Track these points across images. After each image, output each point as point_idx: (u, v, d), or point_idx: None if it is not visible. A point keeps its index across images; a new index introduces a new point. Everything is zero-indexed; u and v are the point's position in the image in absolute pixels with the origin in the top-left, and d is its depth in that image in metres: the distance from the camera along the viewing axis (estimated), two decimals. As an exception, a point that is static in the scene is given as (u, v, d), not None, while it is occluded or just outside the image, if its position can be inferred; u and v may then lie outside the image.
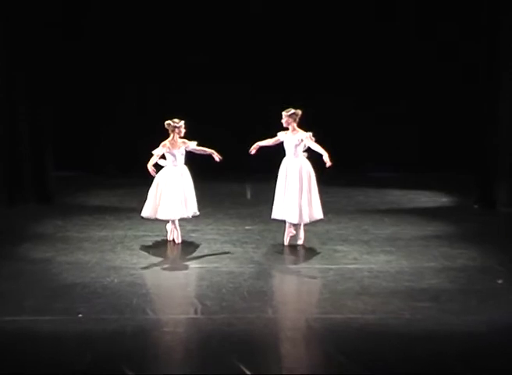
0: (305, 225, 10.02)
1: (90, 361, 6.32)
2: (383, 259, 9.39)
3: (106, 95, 15.65)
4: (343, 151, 15.50)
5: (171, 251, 9.96)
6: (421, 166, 16.00)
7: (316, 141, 9.83)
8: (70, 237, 10.53)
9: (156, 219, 10.12)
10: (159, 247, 10.06)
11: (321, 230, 10.70)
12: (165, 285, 8.66)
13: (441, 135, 15.90)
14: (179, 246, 10.08)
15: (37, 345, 6.66)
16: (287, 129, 9.92)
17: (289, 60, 15.53)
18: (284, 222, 10.04)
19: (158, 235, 10.42)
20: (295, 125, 9.84)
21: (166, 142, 9.97)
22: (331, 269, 9.04)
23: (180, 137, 10.00)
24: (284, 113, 9.87)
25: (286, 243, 10.04)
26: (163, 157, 10.00)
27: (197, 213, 10.22)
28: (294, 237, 10.03)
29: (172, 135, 9.98)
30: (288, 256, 9.78)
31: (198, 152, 10.17)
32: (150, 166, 9.80)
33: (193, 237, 10.51)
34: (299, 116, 9.84)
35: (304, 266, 9.33)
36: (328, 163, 9.62)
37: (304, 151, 9.87)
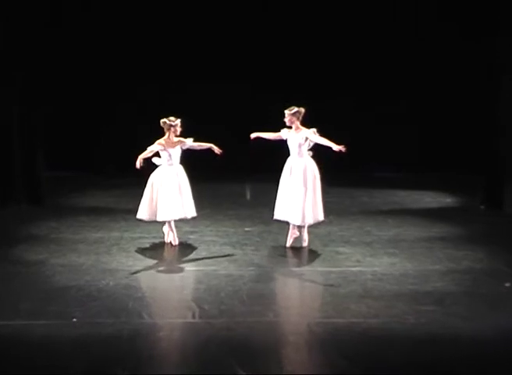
0: (308, 226, 10.02)
1: (85, 366, 6.32)
2: (387, 262, 9.39)
3: (105, 95, 15.82)
4: (345, 150, 15.59)
5: (168, 254, 9.96)
6: (424, 166, 16.07)
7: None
8: (64, 238, 10.54)
9: (152, 221, 10.11)
10: (156, 249, 10.06)
11: (323, 232, 10.70)
12: (161, 288, 8.66)
13: (445, 135, 15.97)
14: (177, 248, 10.08)
15: (30, 350, 6.65)
16: (290, 127, 9.91)
17: (290, 60, 15.68)
18: (287, 223, 10.03)
19: (154, 237, 10.42)
20: (298, 123, 9.83)
21: (161, 140, 9.96)
22: (333, 271, 9.03)
23: (176, 136, 9.99)
24: (287, 112, 9.84)
25: (288, 244, 10.04)
26: (158, 155, 9.99)
27: (195, 215, 10.22)
28: (298, 239, 10.03)
29: (167, 134, 9.97)
30: (289, 259, 9.78)
31: (197, 149, 10.16)
32: (140, 158, 9.71)
33: (191, 238, 10.51)
34: (302, 114, 9.83)
35: (305, 269, 9.32)
36: (341, 148, 9.44)
37: (309, 150, 9.86)
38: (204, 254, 9.79)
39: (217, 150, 10.12)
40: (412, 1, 15.74)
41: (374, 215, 12.29)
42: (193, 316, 7.45)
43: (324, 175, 9.99)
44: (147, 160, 9.87)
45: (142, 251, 9.90)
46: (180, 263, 9.52)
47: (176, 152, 10.01)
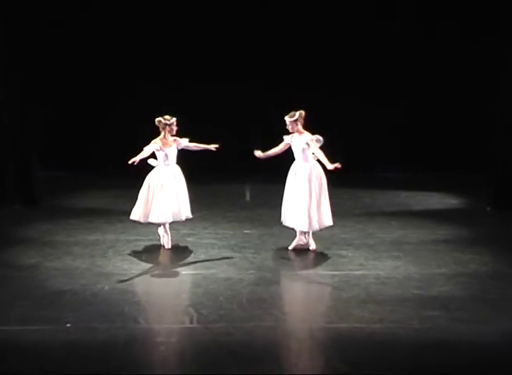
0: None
1: (79, 373, 6.30)
2: (390, 265, 9.39)
3: (104, 94, 15.94)
4: (349, 150, 15.69)
5: (165, 257, 9.95)
6: (429, 166, 16.07)
7: (324, 140, 9.82)
8: (58, 241, 10.53)
9: (147, 223, 10.11)
10: (153, 252, 10.06)
11: (325, 235, 10.68)
12: (158, 292, 8.65)
13: (450, 134, 15.99)
14: (174, 251, 10.07)
15: (23, 356, 6.64)
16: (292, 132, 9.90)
17: (291, 59, 15.83)
18: (293, 229, 10.02)
19: (151, 239, 10.41)
20: (300, 127, 9.84)
21: (157, 140, 9.95)
22: (335, 275, 9.03)
23: (172, 135, 9.99)
24: (288, 119, 9.81)
25: (290, 247, 10.03)
26: (153, 156, 9.98)
27: (190, 216, 10.22)
28: (304, 244, 10.02)
29: (162, 133, 9.96)
30: (290, 262, 9.77)
31: (192, 149, 10.16)
32: (135, 159, 9.68)
33: (189, 241, 10.51)
34: (303, 117, 9.83)
35: (307, 273, 9.32)
36: (335, 166, 9.51)
37: (313, 153, 9.86)
38: (202, 257, 9.78)
39: (213, 147, 10.12)
40: (412, 1, 15.81)
41: (377, 216, 12.29)
42: (191, 321, 7.45)
43: (326, 175, 9.97)
44: (143, 160, 9.87)
45: (138, 254, 9.90)
46: (178, 267, 9.51)
47: (173, 152, 10.01)
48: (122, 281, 8.67)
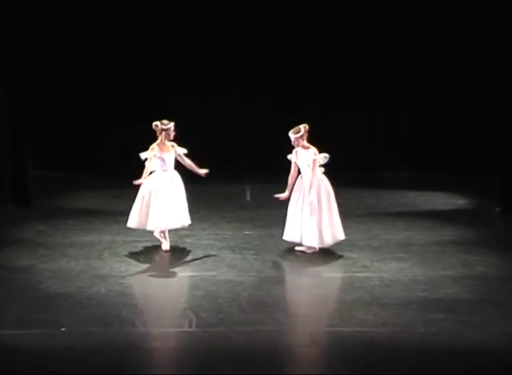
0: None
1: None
2: (395, 267, 9.37)
3: (101, 94, 15.97)
4: (353, 149, 15.73)
5: (163, 259, 9.94)
6: (435, 165, 16.06)
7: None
8: (53, 242, 10.52)
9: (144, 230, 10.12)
10: (150, 253, 10.05)
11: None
12: (156, 295, 8.64)
13: (457, 133, 15.99)
14: (172, 253, 10.06)
15: (16, 361, 6.63)
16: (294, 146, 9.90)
17: (293, 61, 15.90)
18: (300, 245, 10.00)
19: (148, 240, 10.40)
20: (305, 142, 9.84)
21: (154, 145, 9.92)
22: (339, 277, 9.04)
23: (170, 140, 9.97)
24: (293, 136, 9.78)
25: (296, 248, 10.01)
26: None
27: (189, 223, 10.21)
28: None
29: (160, 138, 9.93)
30: (292, 264, 9.76)
31: (183, 163, 10.08)
32: (143, 178, 9.76)
33: (188, 242, 10.50)
34: (307, 131, 9.83)
35: (309, 275, 9.31)
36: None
37: (321, 166, 9.86)
38: (201, 258, 9.77)
39: (203, 173, 10.10)
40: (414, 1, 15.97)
41: (382, 217, 12.27)
42: (190, 325, 7.44)
43: (328, 175, 9.97)
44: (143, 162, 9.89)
45: (135, 255, 9.89)
46: (176, 269, 9.51)
47: (171, 158, 9.98)
48: (118, 284, 8.65)
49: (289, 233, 9.96)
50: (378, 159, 16.30)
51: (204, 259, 9.73)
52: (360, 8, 15.68)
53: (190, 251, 10.10)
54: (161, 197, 9.88)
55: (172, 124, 9.94)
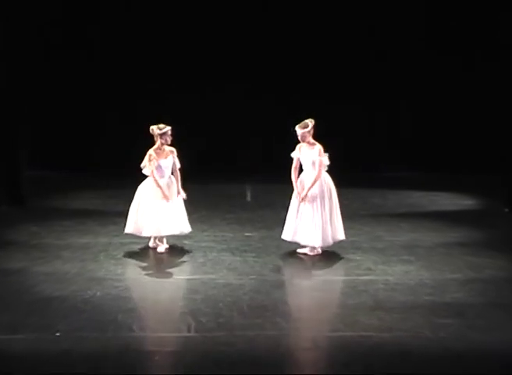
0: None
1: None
2: (400, 270, 9.37)
3: (99, 94, 16.14)
4: (357, 148, 15.79)
5: (161, 261, 9.93)
6: (441, 165, 16.10)
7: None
8: (47, 244, 10.52)
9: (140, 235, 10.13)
10: (148, 256, 10.05)
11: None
12: (153, 299, 8.63)
13: (464, 132, 16.06)
14: (170, 255, 10.06)
15: (9, 367, 6.62)
16: (298, 142, 9.88)
17: (294, 60, 16.15)
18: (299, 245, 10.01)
19: (146, 242, 10.39)
20: (310, 139, 9.83)
21: (152, 152, 9.89)
22: (342, 280, 9.03)
23: (167, 145, 9.95)
24: (301, 130, 9.77)
25: (299, 250, 9.99)
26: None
27: (189, 230, 10.20)
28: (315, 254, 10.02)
29: (157, 143, 9.91)
30: (293, 266, 9.76)
31: (174, 174, 10.04)
32: (165, 196, 9.74)
33: (187, 244, 10.50)
34: (314, 126, 9.84)
35: (311, 278, 9.31)
36: (299, 197, 9.69)
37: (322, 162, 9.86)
38: (200, 261, 9.77)
39: (183, 196, 10.02)
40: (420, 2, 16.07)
41: (386, 218, 12.27)
42: (189, 330, 7.43)
43: (332, 174, 9.96)
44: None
45: (132, 258, 9.89)
46: (174, 271, 9.50)
47: (168, 163, 9.97)
48: (115, 287, 8.64)
49: (289, 233, 9.95)
50: (379, 159, 16.37)
51: (204, 262, 9.73)
52: (361, 8, 15.88)
53: (188, 254, 10.10)
54: (155, 203, 9.87)
55: (168, 128, 9.90)
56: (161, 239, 10.15)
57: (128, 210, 10.11)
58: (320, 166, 9.75)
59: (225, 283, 8.79)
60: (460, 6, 15.78)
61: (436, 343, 7.12)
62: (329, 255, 9.96)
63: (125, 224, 10.15)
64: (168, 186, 10.01)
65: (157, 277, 9.32)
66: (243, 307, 8.03)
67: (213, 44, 15.93)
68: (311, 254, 9.94)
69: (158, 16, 15.90)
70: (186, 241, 10.58)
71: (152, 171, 9.84)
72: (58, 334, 7.26)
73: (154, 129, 9.91)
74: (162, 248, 10.12)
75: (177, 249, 10.27)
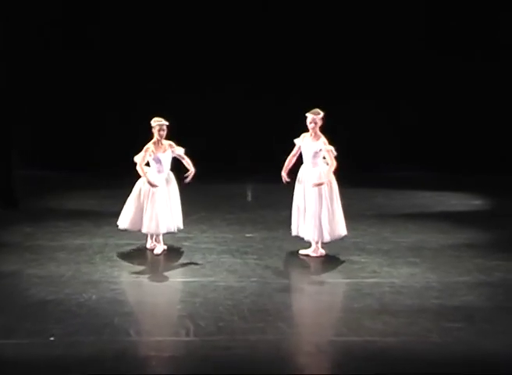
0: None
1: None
2: (406, 272, 9.36)
3: (97, 94, 16.25)
4: (362, 147, 15.83)
5: (158, 263, 9.93)
6: (450, 164, 16.12)
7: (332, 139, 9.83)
8: (41, 246, 10.51)
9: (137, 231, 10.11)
10: (145, 257, 10.04)
11: (335, 238, 10.67)
12: (151, 302, 8.62)
13: (472, 130, 16.09)
14: (169, 257, 10.06)
15: (1, 373, 6.62)
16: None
17: (294, 60, 16.29)
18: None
19: (143, 244, 10.39)
20: (318, 130, 9.82)
21: (150, 145, 9.90)
22: (346, 283, 9.02)
23: (165, 139, 9.95)
24: (315, 117, 9.75)
25: (301, 251, 9.97)
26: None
27: (181, 227, 10.21)
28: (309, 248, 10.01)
29: (156, 136, 9.89)
30: (296, 269, 9.76)
31: (182, 161, 10.09)
32: (149, 181, 9.72)
33: (186, 245, 10.50)
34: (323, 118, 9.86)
35: (314, 281, 9.30)
36: (314, 184, 9.66)
37: (324, 158, 9.85)
38: (199, 263, 9.76)
39: (190, 178, 10.04)
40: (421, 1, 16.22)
41: (392, 219, 12.27)
42: (188, 334, 7.42)
43: (335, 174, 9.95)
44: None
45: (129, 259, 9.88)
46: (173, 274, 9.49)
47: (167, 157, 9.97)
48: (111, 290, 8.64)
49: (294, 228, 9.97)
50: (387, 158, 16.38)
51: (203, 264, 9.72)
52: (360, 8, 15.99)
53: (187, 255, 10.09)
54: (155, 199, 9.87)
55: (158, 122, 9.88)
56: (158, 239, 10.14)
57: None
58: (330, 155, 9.69)
59: (225, 286, 8.79)
60: (460, 6, 15.89)
61: (444, 348, 7.11)
62: (333, 257, 9.95)
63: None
64: (167, 181, 10.01)
65: (154, 280, 9.31)
66: (244, 311, 8.02)
67: (213, 44, 16.15)
68: (314, 255, 9.93)
69: (158, 16, 16.11)
70: (185, 243, 10.58)
71: (142, 158, 9.79)
72: (52, 339, 7.25)
73: (152, 121, 9.95)
74: (160, 249, 10.12)
75: (175, 251, 10.27)
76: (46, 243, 10.65)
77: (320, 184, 9.69)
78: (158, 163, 9.95)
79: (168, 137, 10.03)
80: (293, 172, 10.03)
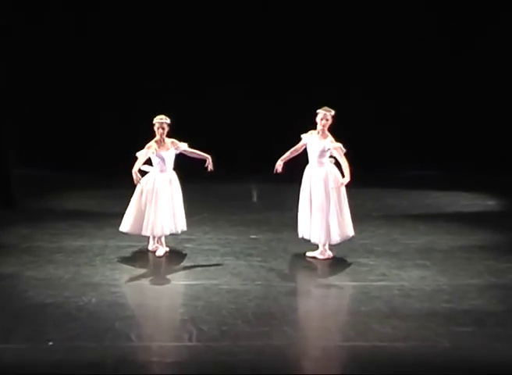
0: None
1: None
2: (416, 275, 9.36)
3: (95, 93, 16.34)
4: (371, 146, 15.83)
5: (160, 265, 9.94)
6: (461, 163, 16.11)
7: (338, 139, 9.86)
8: (40, 247, 10.52)
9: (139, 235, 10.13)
10: (146, 260, 10.05)
11: (342, 240, 10.68)
12: (152, 306, 8.63)
13: (484, 129, 16.09)
14: (171, 259, 10.06)
15: (-2, 378, 6.65)
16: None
17: (294, 60, 16.35)
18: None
19: (144, 245, 10.40)
20: (327, 128, 9.83)
21: (152, 143, 9.91)
22: (353, 286, 9.02)
23: (167, 137, 9.96)
24: (327, 113, 9.74)
25: (308, 254, 9.98)
26: (147, 162, 9.95)
27: (185, 229, 10.23)
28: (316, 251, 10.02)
29: (159, 134, 9.90)
30: (302, 271, 9.76)
31: (190, 155, 10.14)
32: (135, 172, 9.73)
33: (188, 247, 10.50)
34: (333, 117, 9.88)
35: (321, 283, 9.30)
36: (343, 183, 9.70)
37: (331, 157, 9.86)
38: (202, 265, 9.76)
39: (210, 166, 10.09)
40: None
41: (401, 220, 12.26)
42: (190, 339, 7.42)
43: (342, 173, 9.96)
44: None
45: (130, 262, 9.88)
46: (175, 276, 9.50)
47: (170, 156, 9.98)
48: (111, 293, 8.65)
49: (300, 230, 9.98)
50: (397, 157, 16.37)
51: (206, 266, 9.72)
52: (360, 8, 16.06)
53: (190, 257, 10.10)
54: (158, 200, 9.88)
55: (161, 120, 9.89)
56: (160, 241, 10.15)
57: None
58: (340, 153, 9.70)
59: (228, 289, 8.79)
60: (460, 6, 15.91)
61: (454, 353, 7.12)
62: (340, 260, 9.95)
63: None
64: (170, 181, 10.02)
65: (156, 283, 9.33)
66: (248, 315, 8.02)
67: (213, 44, 16.24)
68: (321, 258, 9.94)
69: (159, 16, 16.18)
70: (187, 245, 10.59)
71: (144, 155, 9.80)
72: (51, 343, 7.26)
73: (163, 119, 9.96)
74: (161, 251, 10.13)
75: (177, 253, 10.28)
76: (45, 244, 10.66)
77: (342, 185, 9.69)
78: (160, 162, 9.96)
79: (169, 136, 10.05)
80: (289, 168, 10.00)
